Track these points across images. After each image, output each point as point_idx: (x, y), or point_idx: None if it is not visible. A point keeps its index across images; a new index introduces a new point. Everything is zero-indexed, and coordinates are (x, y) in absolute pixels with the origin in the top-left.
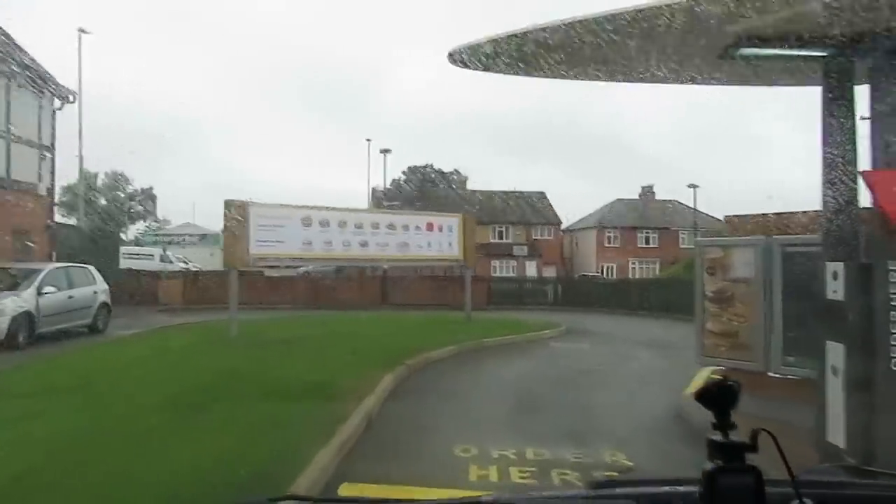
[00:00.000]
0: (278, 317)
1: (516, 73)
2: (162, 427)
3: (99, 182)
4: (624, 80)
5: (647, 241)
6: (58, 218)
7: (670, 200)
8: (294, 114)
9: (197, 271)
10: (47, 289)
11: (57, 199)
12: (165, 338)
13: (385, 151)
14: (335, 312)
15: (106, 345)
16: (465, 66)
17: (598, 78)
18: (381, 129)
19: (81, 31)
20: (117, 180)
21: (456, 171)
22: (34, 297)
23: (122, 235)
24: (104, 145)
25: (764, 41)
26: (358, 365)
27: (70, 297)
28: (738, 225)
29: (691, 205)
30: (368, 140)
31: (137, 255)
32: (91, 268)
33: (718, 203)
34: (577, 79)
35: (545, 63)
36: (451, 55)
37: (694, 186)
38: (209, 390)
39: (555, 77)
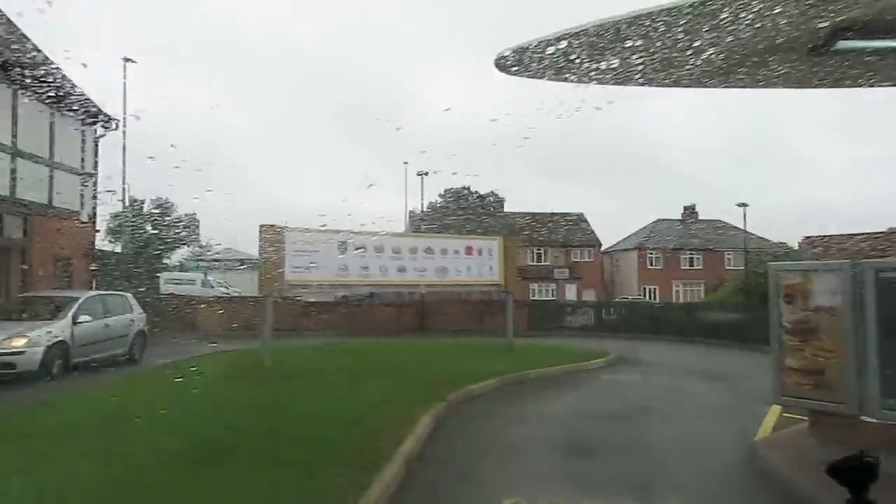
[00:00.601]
0: (314, 344)
1: (568, 80)
2: (181, 476)
3: (145, 208)
4: (689, 86)
5: (692, 263)
6: (106, 244)
7: (715, 220)
8: (332, 138)
9: (235, 297)
10: (83, 317)
11: (105, 225)
12: (198, 368)
13: (422, 174)
14: (372, 339)
15: (138, 376)
16: (512, 71)
17: (663, 83)
18: (417, 152)
19: (126, 59)
20: (162, 206)
21: (493, 192)
22: (69, 326)
23: (167, 261)
24: (151, 172)
25: (865, 32)
26: (395, 400)
27: (106, 326)
28: (815, 247)
29: (737, 224)
30: (405, 163)
31: (179, 280)
32: (128, 295)
33: (768, 223)
34: (638, 84)
35: (601, 66)
36: (497, 61)
37: (743, 205)
38: (235, 431)
39: (612, 83)
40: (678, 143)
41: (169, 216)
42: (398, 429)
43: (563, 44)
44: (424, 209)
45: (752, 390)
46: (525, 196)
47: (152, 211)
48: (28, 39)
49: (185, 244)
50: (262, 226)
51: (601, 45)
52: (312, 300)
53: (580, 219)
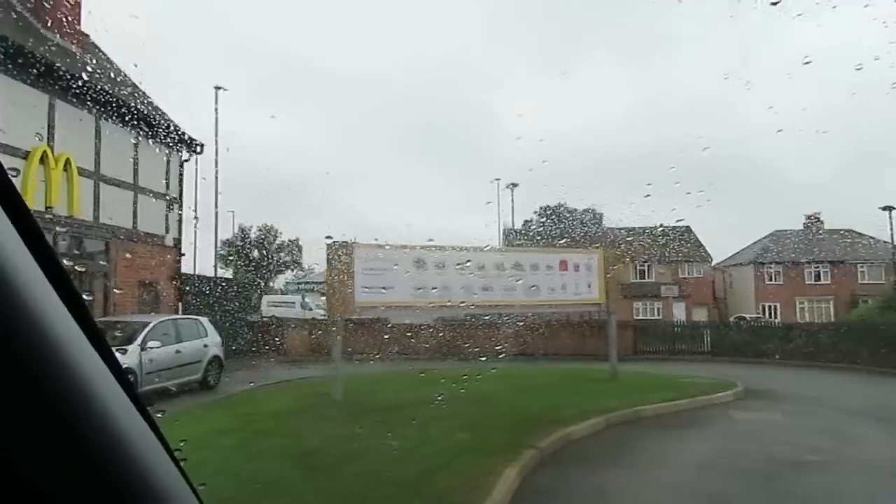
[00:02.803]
0: (394, 372)
1: None
2: None
3: (253, 235)
4: None
5: (818, 278)
6: (219, 270)
7: (844, 230)
8: (425, 159)
9: (325, 320)
10: (151, 343)
11: (216, 251)
12: (268, 399)
13: (512, 186)
14: (459, 364)
15: (202, 407)
16: None
17: None
18: (510, 170)
19: (218, 88)
20: (268, 233)
21: (590, 209)
22: (137, 353)
23: (272, 284)
24: (260, 200)
25: None
26: (473, 448)
27: (177, 352)
28: None
29: (870, 233)
30: (497, 179)
31: (279, 303)
32: (203, 319)
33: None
34: None
35: None
36: None
37: (889, 209)
38: (279, 487)
39: None
40: (797, 143)
41: (273, 242)
42: (472, 491)
43: None
44: (517, 227)
45: None
46: (624, 210)
47: (260, 237)
48: (113, 64)
49: (288, 268)
50: (329, 242)
51: None
52: (408, 321)
53: (687, 231)
